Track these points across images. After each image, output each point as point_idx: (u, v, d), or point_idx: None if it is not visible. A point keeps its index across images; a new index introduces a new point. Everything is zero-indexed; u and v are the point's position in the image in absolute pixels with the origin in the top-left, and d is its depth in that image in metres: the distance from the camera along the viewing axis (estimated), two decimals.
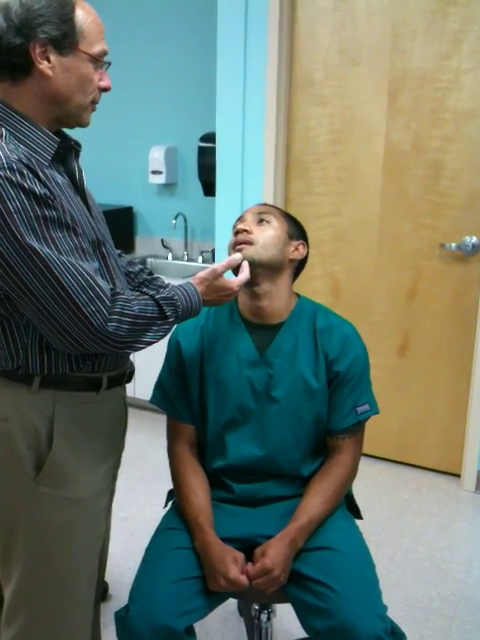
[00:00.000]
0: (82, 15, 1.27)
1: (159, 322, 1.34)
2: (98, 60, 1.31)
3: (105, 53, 1.32)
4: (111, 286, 1.32)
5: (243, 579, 1.46)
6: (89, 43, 1.28)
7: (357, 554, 1.54)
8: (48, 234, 1.21)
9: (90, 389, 1.41)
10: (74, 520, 1.41)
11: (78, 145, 1.41)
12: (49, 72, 1.26)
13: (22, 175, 1.19)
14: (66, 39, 1.25)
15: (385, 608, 1.46)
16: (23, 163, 1.20)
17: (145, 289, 1.46)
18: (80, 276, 1.23)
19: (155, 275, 1.68)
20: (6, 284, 1.23)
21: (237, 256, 1.52)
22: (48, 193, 1.22)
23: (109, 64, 1.35)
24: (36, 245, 1.19)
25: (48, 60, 1.25)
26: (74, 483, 1.40)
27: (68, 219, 1.26)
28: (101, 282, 1.27)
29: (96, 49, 1.30)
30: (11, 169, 1.18)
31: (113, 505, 1.61)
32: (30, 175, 1.21)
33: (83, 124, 1.37)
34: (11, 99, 1.28)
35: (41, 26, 1.22)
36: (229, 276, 1.50)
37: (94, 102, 1.35)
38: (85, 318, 1.24)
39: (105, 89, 1.35)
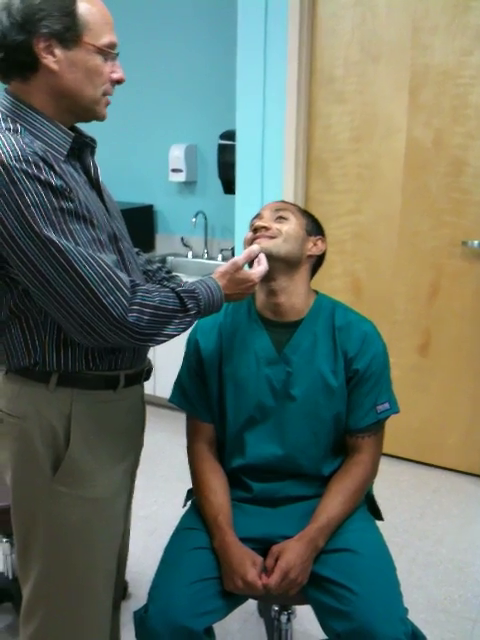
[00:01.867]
0: (85, 6, 1.24)
1: (180, 315, 1.32)
2: (106, 52, 1.28)
3: (114, 45, 1.29)
4: (131, 278, 1.31)
5: (260, 584, 1.45)
6: (95, 35, 1.26)
7: (377, 556, 1.52)
8: (66, 226, 1.21)
9: (108, 387, 1.40)
10: (92, 520, 1.41)
11: (94, 141, 1.40)
12: (55, 66, 1.24)
13: (38, 167, 1.19)
14: (69, 32, 1.23)
15: (406, 611, 1.44)
16: (39, 156, 1.20)
17: (166, 283, 1.44)
18: (99, 267, 1.22)
19: (173, 273, 1.67)
20: (25, 277, 1.23)
21: (255, 247, 1.51)
22: (64, 185, 1.22)
23: (117, 54, 1.31)
24: (54, 237, 1.19)
25: (53, 54, 1.24)
26: (92, 482, 1.40)
27: (85, 211, 1.25)
28: (120, 273, 1.26)
29: (103, 40, 1.27)
30: (27, 161, 1.18)
31: (133, 504, 1.61)
32: (46, 167, 1.20)
33: (99, 117, 1.35)
34: (23, 96, 1.28)
35: (42, 21, 1.21)
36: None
37: (106, 94, 1.33)
38: (105, 308, 1.23)
39: (118, 81, 1.33)
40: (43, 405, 1.35)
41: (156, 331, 1.30)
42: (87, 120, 1.35)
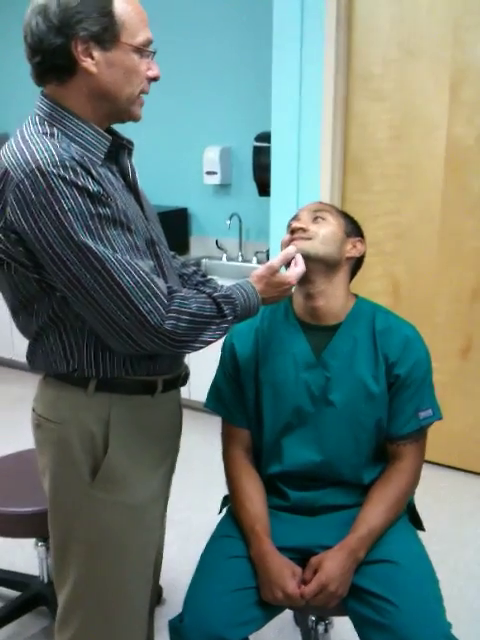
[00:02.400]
0: (121, 5, 1.23)
1: (217, 321, 1.30)
2: (143, 50, 1.26)
3: (150, 41, 1.28)
4: (168, 284, 1.29)
5: (300, 596, 1.41)
6: (131, 34, 1.24)
7: (420, 568, 1.47)
8: (103, 232, 1.19)
9: (145, 392, 1.39)
10: (130, 526, 1.39)
11: (131, 143, 1.38)
12: (94, 69, 1.23)
13: (75, 173, 1.17)
14: (107, 33, 1.22)
15: (450, 626, 1.38)
16: (76, 161, 1.19)
17: (202, 288, 1.42)
18: (136, 274, 1.21)
19: (209, 277, 1.65)
20: (62, 284, 1.22)
21: (291, 249, 1.47)
22: (102, 191, 1.20)
23: (154, 52, 1.30)
24: (91, 243, 1.17)
25: (91, 57, 1.22)
26: (130, 488, 1.38)
27: (122, 217, 1.23)
28: (157, 280, 1.24)
29: (140, 39, 1.25)
30: (64, 167, 1.16)
31: (169, 508, 1.59)
32: (83, 173, 1.18)
33: (135, 118, 1.33)
34: (60, 99, 1.26)
35: (80, 23, 1.20)
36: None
37: (143, 93, 1.31)
38: (142, 316, 1.21)
39: (154, 79, 1.31)
40: (82, 410, 1.34)
41: (193, 338, 1.28)
42: (123, 121, 1.34)
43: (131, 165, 1.38)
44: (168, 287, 1.27)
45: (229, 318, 1.32)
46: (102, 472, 1.34)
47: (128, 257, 1.21)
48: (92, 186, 1.19)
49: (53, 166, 1.16)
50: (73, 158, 1.18)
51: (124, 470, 1.37)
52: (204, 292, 1.33)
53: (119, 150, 1.36)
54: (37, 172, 1.16)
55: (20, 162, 1.17)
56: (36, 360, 1.37)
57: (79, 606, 1.42)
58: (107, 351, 1.31)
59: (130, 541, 1.40)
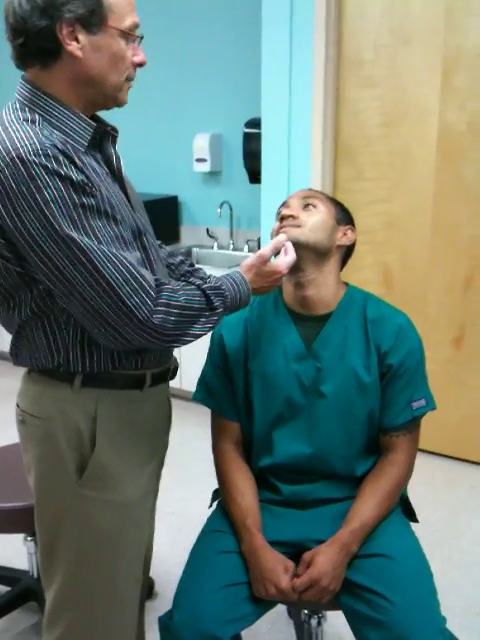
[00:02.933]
0: None
1: (207, 313, 1.27)
2: (130, 34, 1.23)
3: (136, 26, 1.24)
4: (156, 277, 1.26)
5: (293, 592, 1.40)
6: (119, 17, 1.20)
7: (414, 562, 1.45)
8: (87, 223, 1.15)
9: (134, 387, 1.36)
10: (119, 523, 1.37)
11: (115, 130, 1.34)
12: (79, 53, 1.19)
13: (58, 161, 1.13)
14: (94, 16, 1.17)
15: (444, 620, 1.37)
16: (58, 149, 1.15)
17: (191, 279, 1.39)
18: (122, 266, 1.17)
19: (197, 266, 1.62)
20: (46, 277, 1.18)
21: (282, 237, 1.44)
22: (85, 179, 1.16)
23: (141, 37, 1.26)
24: (75, 235, 1.14)
25: (77, 40, 1.18)
26: (119, 485, 1.35)
27: (107, 207, 1.20)
28: (145, 272, 1.21)
29: (126, 23, 1.21)
30: (46, 155, 1.12)
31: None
32: (66, 161, 1.14)
33: (120, 103, 1.29)
34: (42, 83, 1.22)
35: (66, 5, 1.15)
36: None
37: (129, 79, 1.27)
38: (129, 310, 1.18)
39: (140, 64, 1.27)
40: (68, 406, 1.31)
41: (182, 331, 1.25)
42: (108, 108, 1.30)
43: (116, 152, 1.34)
44: (156, 279, 1.24)
45: (219, 310, 1.29)
46: (90, 470, 1.32)
47: (114, 248, 1.18)
48: (75, 175, 1.15)
49: (34, 155, 1.12)
50: (55, 146, 1.14)
51: (112, 467, 1.34)
52: (193, 284, 1.29)
53: (103, 137, 1.31)
54: (17, 161, 1.11)
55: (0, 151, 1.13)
56: (20, 354, 1.34)
57: (67, 605, 1.39)
58: (93, 345, 1.28)
59: (120, 539, 1.37)
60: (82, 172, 1.17)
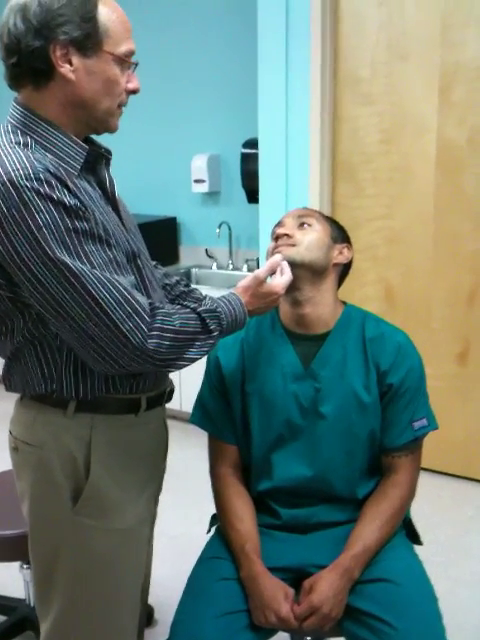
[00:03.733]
0: (106, 12, 1.18)
1: (202, 337, 1.25)
2: (125, 61, 1.22)
3: (132, 53, 1.23)
4: (150, 300, 1.24)
5: (295, 620, 1.37)
6: (114, 43, 1.19)
7: (418, 587, 1.42)
8: (80, 248, 1.14)
9: (129, 411, 1.33)
10: (117, 551, 1.34)
11: (108, 153, 1.33)
12: (71, 76, 1.18)
13: (50, 185, 1.12)
14: (89, 40, 1.16)
15: None
16: (51, 173, 1.13)
17: (185, 302, 1.37)
18: (116, 291, 1.15)
19: (192, 287, 1.60)
20: (38, 302, 1.16)
21: (277, 257, 1.43)
22: (79, 204, 1.15)
23: (136, 64, 1.26)
24: (68, 260, 1.12)
25: (70, 63, 1.17)
26: (115, 512, 1.32)
27: (101, 231, 1.18)
28: (139, 296, 1.19)
29: (122, 49, 1.21)
30: (39, 180, 1.11)
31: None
32: (59, 185, 1.13)
33: (111, 130, 1.28)
34: (35, 105, 1.21)
35: (61, 26, 1.14)
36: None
37: (121, 105, 1.26)
38: (123, 336, 1.15)
39: (133, 91, 1.26)
40: (61, 432, 1.28)
41: (177, 356, 1.22)
42: (99, 132, 1.29)
43: (109, 175, 1.33)
44: (150, 303, 1.22)
45: (215, 334, 1.27)
46: (85, 497, 1.29)
47: (107, 273, 1.16)
48: (68, 199, 1.13)
49: (26, 179, 1.10)
50: (48, 170, 1.13)
51: (108, 494, 1.31)
52: (188, 307, 1.27)
53: (97, 160, 1.30)
54: (9, 185, 1.10)
55: None
56: (12, 380, 1.32)
57: (64, 634, 1.36)
58: (87, 370, 1.26)
59: (118, 567, 1.34)
60: (75, 196, 1.15)
